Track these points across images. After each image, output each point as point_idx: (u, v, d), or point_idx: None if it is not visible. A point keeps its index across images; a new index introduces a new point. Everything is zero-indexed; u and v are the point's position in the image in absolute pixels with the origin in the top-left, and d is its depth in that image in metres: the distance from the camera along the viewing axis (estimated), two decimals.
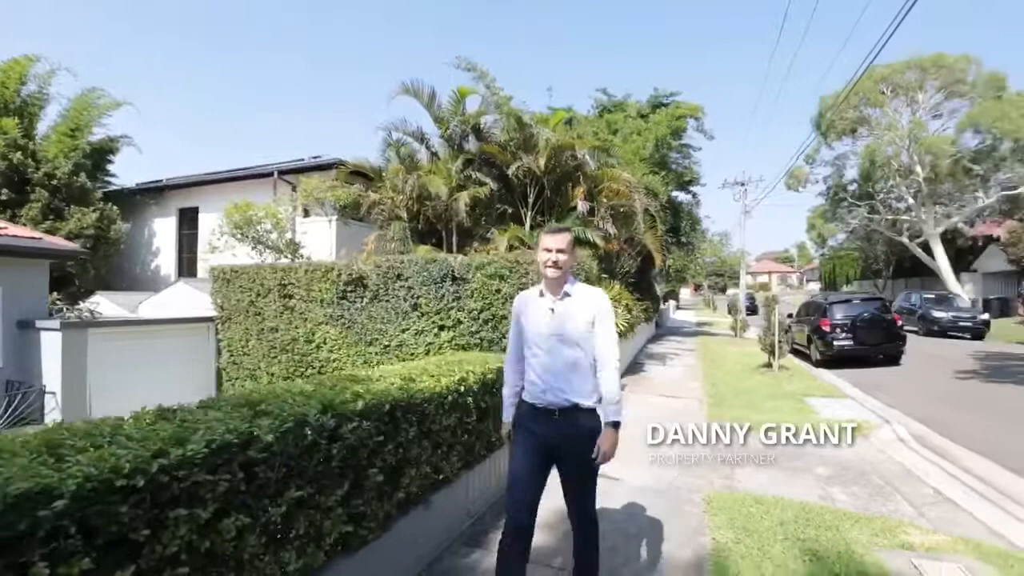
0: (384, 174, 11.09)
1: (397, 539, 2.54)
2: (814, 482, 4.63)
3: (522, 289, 7.42)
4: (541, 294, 2.50)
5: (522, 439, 2.46)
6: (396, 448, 2.50)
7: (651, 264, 13.74)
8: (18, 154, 13.85)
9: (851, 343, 11.65)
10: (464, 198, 9.64)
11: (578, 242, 9.35)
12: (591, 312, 2.40)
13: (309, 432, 1.89)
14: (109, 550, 1.26)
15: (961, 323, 17.94)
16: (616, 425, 2.36)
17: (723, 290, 59.67)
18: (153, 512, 1.36)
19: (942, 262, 23.68)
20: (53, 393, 8.11)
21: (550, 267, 2.42)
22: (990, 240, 25.07)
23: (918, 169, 22.12)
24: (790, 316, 14.00)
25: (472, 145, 10.82)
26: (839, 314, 11.98)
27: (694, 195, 19.72)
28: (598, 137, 13.29)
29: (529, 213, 10.58)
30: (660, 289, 18.64)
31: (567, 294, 2.44)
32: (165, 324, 9.95)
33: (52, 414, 8.08)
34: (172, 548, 1.40)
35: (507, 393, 2.63)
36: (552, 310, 2.42)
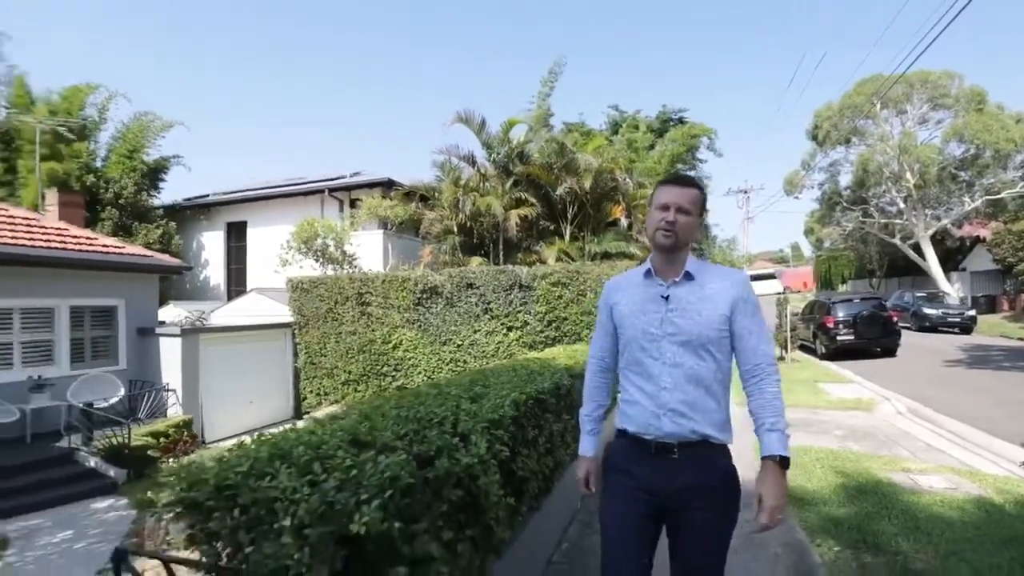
0: (437, 194, 12.48)
1: (571, 472, 3.95)
2: (834, 439, 6.06)
3: (581, 296, 8.90)
4: (648, 274, 1.72)
5: (618, 490, 1.71)
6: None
7: None
8: (91, 176, 15.13)
9: (852, 337, 13.13)
10: (515, 216, 11.06)
11: (620, 255, 10.81)
12: (727, 301, 1.63)
13: (568, 383, 3.30)
14: (536, 430, 2.66)
15: (950, 319, 19.48)
16: (785, 463, 1.58)
17: None
18: (539, 413, 2.76)
19: (932, 262, 25.31)
20: (173, 390, 9.42)
21: (663, 230, 1.64)
22: (977, 241, 26.72)
23: (908, 176, 23.75)
24: (796, 315, 15.47)
25: (517, 167, 12.24)
26: (841, 312, 13.46)
27: None
28: (626, 157, 14.76)
29: (568, 228, 12.01)
30: None
31: (689, 275, 1.67)
32: (253, 330, 11.26)
33: (173, 408, 9.39)
34: (546, 434, 2.79)
35: (587, 413, 1.87)
36: (666, 298, 1.66)
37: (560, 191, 11.03)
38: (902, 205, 25.58)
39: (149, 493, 5.38)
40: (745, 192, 22.22)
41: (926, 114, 24.20)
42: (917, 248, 26.18)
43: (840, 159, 27.31)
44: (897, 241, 26.95)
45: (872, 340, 13.25)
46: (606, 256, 10.97)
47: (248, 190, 18.37)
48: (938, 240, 26.35)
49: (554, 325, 8.96)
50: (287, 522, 1.28)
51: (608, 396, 1.87)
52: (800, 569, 3.06)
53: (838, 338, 13.26)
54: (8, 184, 14.63)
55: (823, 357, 13.72)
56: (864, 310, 13.32)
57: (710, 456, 1.66)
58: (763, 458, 1.59)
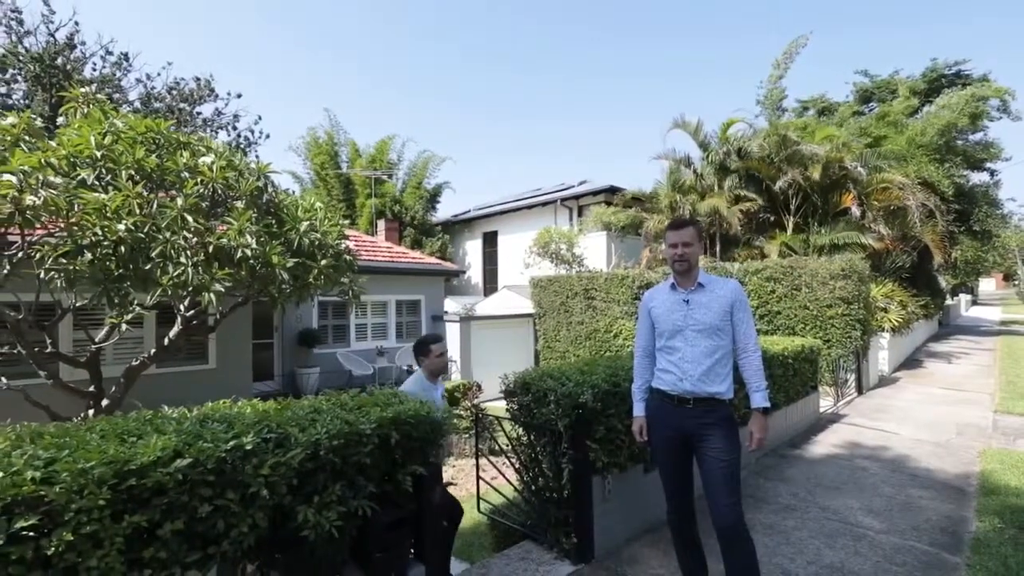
0: (655, 198, 13.56)
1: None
2: None
3: (795, 291, 9.06)
4: (673, 287, 2.52)
5: (657, 439, 2.52)
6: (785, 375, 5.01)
7: (930, 258, 13.12)
8: (396, 205, 20.61)
9: None
10: (736, 212, 11.45)
11: (849, 246, 10.25)
12: (727, 301, 2.42)
13: (790, 359, 4.47)
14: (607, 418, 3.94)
15: None
16: (765, 412, 2.40)
17: None
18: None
19: None
20: (455, 361, 12.80)
21: (678, 261, 2.45)
22: None
23: None
24: None
25: (734, 163, 12.49)
26: None
27: (992, 173, 17.00)
28: (866, 133, 13.32)
29: (791, 219, 11.77)
30: (945, 283, 16.61)
31: (701, 284, 2.46)
32: (505, 319, 14.25)
33: (455, 375, 12.76)
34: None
35: (637, 387, 2.65)
36: (686, 301, 2.44)
37: (780, 184, 10.92)
38: None
39: (454, 421, 8.19)
40: None
41: None
42: None
43: None
44: None
45: None
46: (834, 248, 10.45)
47: (497, 204, 22.20)
48: None
49: (766, 319, 9.32)
50: (552, 398, 2.99)
51: (651, 374, 2.61)
52: (947, 530, 3.57)
53: None
54: (349, 216, 21.06)
55: None
56: None
57: (714, 406, 2.37)
58: (752, 409, 2.45)
